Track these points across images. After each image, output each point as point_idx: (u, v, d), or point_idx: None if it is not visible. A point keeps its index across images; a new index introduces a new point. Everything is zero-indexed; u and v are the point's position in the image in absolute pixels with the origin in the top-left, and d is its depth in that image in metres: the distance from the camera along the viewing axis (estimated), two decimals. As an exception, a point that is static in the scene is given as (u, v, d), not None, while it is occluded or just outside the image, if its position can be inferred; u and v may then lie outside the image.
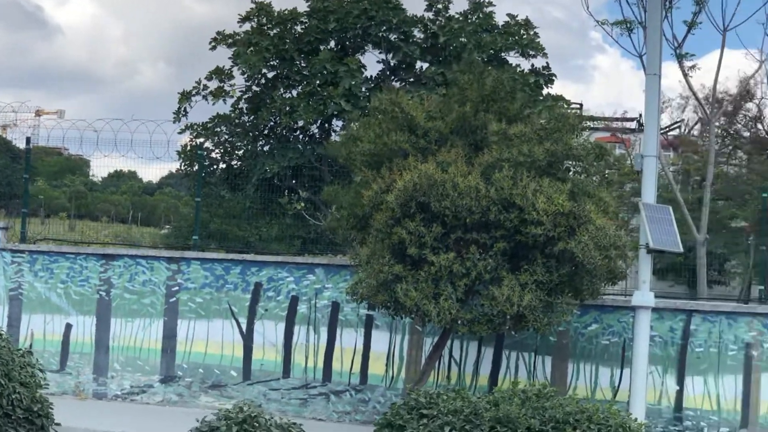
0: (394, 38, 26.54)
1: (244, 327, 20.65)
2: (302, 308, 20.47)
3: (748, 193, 44.95)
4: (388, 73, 27.01)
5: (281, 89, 27.15)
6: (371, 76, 26.83)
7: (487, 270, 16.05)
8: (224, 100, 27.44)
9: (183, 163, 27.65)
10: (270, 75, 27.51)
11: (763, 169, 46.43)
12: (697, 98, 37.65)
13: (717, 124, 47.89)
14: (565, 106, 25.66)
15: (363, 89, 25.75)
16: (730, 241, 47.80)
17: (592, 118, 50.78)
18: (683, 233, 33.79)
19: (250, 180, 26.31)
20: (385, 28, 26.27)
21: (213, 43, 27.40)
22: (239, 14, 27.51)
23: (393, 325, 19.84)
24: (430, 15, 27.37)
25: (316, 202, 25.19)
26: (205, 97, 27.49)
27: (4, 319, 21.46)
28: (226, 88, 27.43)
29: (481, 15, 27.42)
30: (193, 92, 27.49)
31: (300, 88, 26.89)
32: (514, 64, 27.30)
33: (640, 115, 52.06)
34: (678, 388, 18.86)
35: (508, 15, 27.66)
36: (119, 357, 21.16)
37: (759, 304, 20.05)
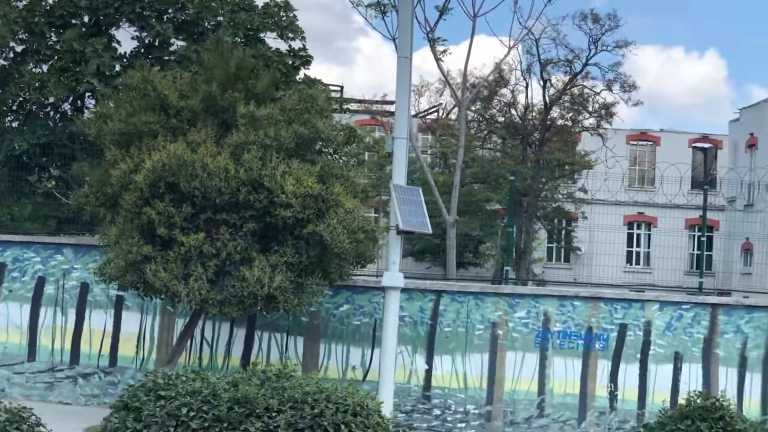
0: (147, 15, 25.94)
1: (-14, 309, 19.87)
2: (49, 289, 19.84)
3: (502, 176, 46.31)
4: (142, 50, 26.42)
5: (31, 64, 26.19)
6: (125, 53, 26.18)
7: (238, 251, 15.94)
8: (-33, 74, 26.26)
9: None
10: (19, 49, 26.47)
11: (517, 154, 47.96)
12: (448, 82, 38.52)
13: (473, 108, 49.21)
14: (321, 88, 25.69)
15: (116, 67, 25.10)
16: (485, 224, 49.24)
17: (348, 101, 51.23)
18: (437, 216, 34.60)
19: (-3, 157, 25.29)
20: (138, 5, 25.62)
21: (-44, 14, 26.15)
22: (-15, -16, 26.35)
23: (144, 306, 19.47)
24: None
25: (68, 181, 24.46)
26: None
27: None
28: (-30, 60, 26.24)
29: (239, -6, 27.16)
30: (-65, 65, 26.18)
31: (51, 63, 26.00)
32: (272, 46, 27.19)
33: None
34: (427, 367, 19.23)
35: (269, -5, 27.53)
36: None
37: (504, 284, 20.64)
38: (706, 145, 62.73)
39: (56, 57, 25.83)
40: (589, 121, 49.92)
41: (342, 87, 58.30)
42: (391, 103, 49.83)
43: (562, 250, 56.99)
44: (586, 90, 48.97)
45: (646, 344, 18.99)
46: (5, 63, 26.46)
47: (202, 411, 9.98)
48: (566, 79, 48.25)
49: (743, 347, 18.88)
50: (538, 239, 51.07)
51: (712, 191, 55.70)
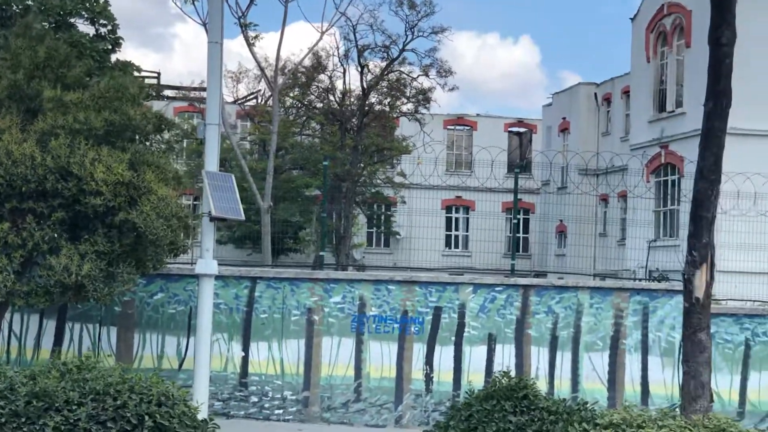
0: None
1: None
2: None
3: (320, 162, 46.29)
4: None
5: None
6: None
7: (45, 240, 15.50)
8: None
9: None
10: None
11: (335, 140, 48.12)
12: (261, 68, 38.31)
13: (291, 95, 49.08)
14: (136, 73, 25.24)
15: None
16: (305, 210, 49.30)
17: (164, 87, 50.48)
18: (251, 203, 34.40)
19: None
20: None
21: None
22: None
23: (-52, 300, 18.75)
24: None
25: None
26: None
27: None
28: None
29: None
30: None
31: None
32: (84, 31, 26.59)
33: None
34: (243, 354, 19.10)
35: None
36: None
37: (320, 269, 20.65)
38: (521, 130, 64.14)
39: None
40: (407, 107, 50.49)
41: (159, 74, 57.48)
42: (208, 89, 49.23)
43: (382, 234, 57.53)
44: (403, 75, 49.48)
45: (461, 326, 19.26)
46: None
47: (-1, 406, 9.65)
48: (383, 64, 48.64)
49: (554, 327, 19.32)
50: (358, 224, 51.42)
51: (527, 175, 57.17)
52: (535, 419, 8.77)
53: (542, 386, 18.97)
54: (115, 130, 16.32)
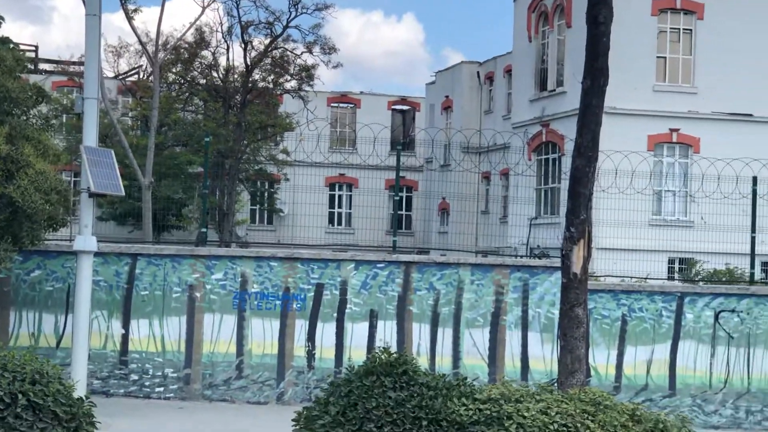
0: None
1: None
2: None
3: (203, 139, 45.86)
4: None
5: None
6: None
7: None
8: None
9: None
10: None
11: (219, 116, 47.72)
12: (141, 42, 37.79)
13: (174, 70, 48.53)
14: (12, 47, 24.68)
15: None
16: (188, 186, 48.83)
17: (42, 61, 49.48)
18: (132, 179, 33.97)
19: None
20: None
21: None
22: None
23: None
24: None
25: None
26: None
27: None
28: None
29: None
30: None
31: None
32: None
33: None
34: (123, 331, 18.88)
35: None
36: None
37: (202, 246, 20.47)
38: (405, 108, 64.38)
39: None
40: (291, 84, 50.32)
41: (36, 47, 56.31)
42: (88, 63, 48.39)
43: (265, 211, 57.32)
44: (287, 52, 49.29)
45: (343, 303, 19.30)
46: None
47: None
48: (267, 41, 48.39)
49: (436, 304, 19.46)
50: (241, 201, 51.12)
51: (409, 152, 57.42)
52: (415, 395, 8.83)
53: (423, 362, 19.13)
54: (-7, 103, 15.99)
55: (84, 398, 9.38)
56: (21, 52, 29.80)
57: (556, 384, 18.05)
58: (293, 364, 19.23)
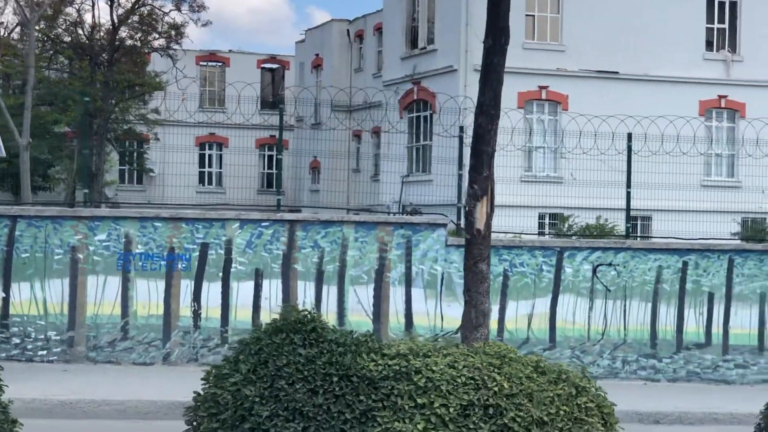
0: None
1: None
2: None
3: (70, 98, 45.06)
4: None
5: None
6: None
7: None
8: None
9: None
10: None
11: (85, 75, 46.86)
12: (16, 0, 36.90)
13: (37, 27, 47.39)
14: None
15: None
16: (55, 147, 47.90)
17: None
18: (8, 139, 33.21)
19: None
20: None
21: None
22: None
23: None
24: None
25: None
26: None
27: None
28: None
29: None
30: None
31: None
32: None
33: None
34: (4, 295, 18.57)
35: None
36: None
37: (84, 207, 20.18)
38: (274, 66, 64.05)
39: None
40: (159, 42, 49.64)
41: None
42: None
43: (135, 172, 56.61)
44: (155, 10, 48.60)
45: (228, 262, 19.26)
46: None
47: None
48: (134, -1, 47.69)
49: (320, 261, 19.56)
50: (111, 161, 50.42)
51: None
52: (324, 351, 8.93)
53: (309, 320, 19.24)
54: None
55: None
56: None
57: (443, 338, 18.40)
58: (179, 324, 19.15)
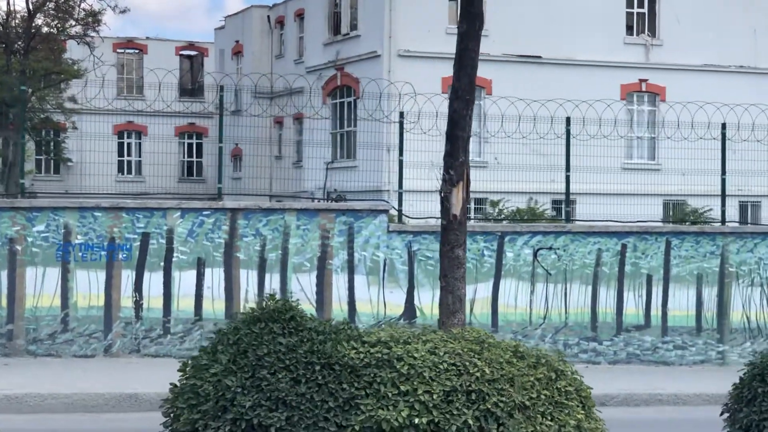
0: None
1: None
2: None
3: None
4: None
5: None
6: None
7: None
8: None
9: None
10: None
11: (1, 63, 45.92)
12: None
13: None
14: None
15: None
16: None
17: None
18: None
19: None
20: None
21: None
22: None
23: None
24: None
25: None
26: None
27: None
28: None
29: None
30: None
31: None
32: None
33: None
34: (-60, 289, 18.16)
35: None
36: None
37: (20, 198, 19.79)
38: (193, 53, 63.43)
39: None
40: (76, 29, 48.88)
41: None
42: None
43: (52, 161, 55.74)
44: (70, -4, 47.88)
45: (170, 252, 19.03)
46: None
47: None
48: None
49: (262, 249, 19.41)
50: (27, 151, 49.51)
51: (198, 98, 56.70)
52: (305, 339, 8.86)
53: (252, 308, 19.13)
54: None
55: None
56: None
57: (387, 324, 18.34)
58: (120, 315, 18.88)
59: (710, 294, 20.68)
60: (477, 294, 20.01)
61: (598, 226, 20.87)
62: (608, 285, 20.41)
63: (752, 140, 21.98)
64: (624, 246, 20.44)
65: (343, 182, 37.32)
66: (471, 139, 35.23)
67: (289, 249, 19.53)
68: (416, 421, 8.64)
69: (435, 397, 8.75)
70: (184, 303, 19.02)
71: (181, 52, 62.62)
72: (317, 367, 8.79)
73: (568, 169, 21.43)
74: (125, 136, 57.47)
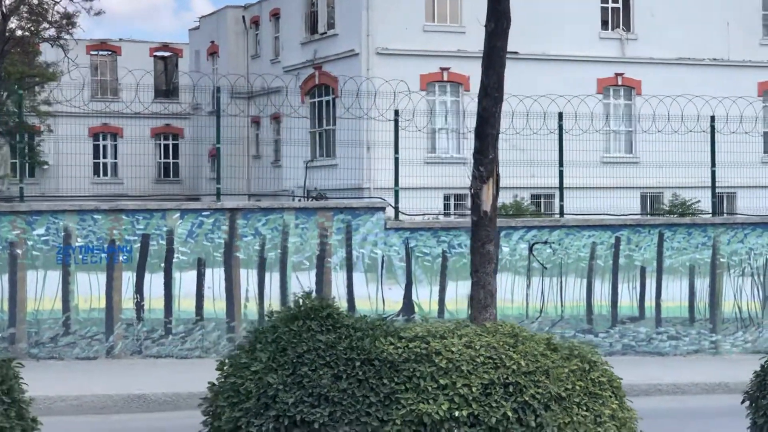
0: None
1: None
2: None
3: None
4: None
5: None
6: None
7: None
8: None
9: None
10: None
11: None
12: None
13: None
14: None
15: None
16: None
17: None
18: None
19: None
20: None
21: None
22: None
23: None
24: None
25: None
26: None
27: None
28: None
29: None
30: None
31: None
32: None
33: None
34: (-58, 294, 18.17)
35: None
36: None
37: (21, 202, 19.77)
38: (167, 54, 63.27)
39: None
40: (50, 32, 48.69)
41: None
42: None
43: (27, 164, 55.44)
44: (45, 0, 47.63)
45: (170, 253, 19.11)
46: None
47: None
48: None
49: (262, 249, 19.52)
50: (3, 155, 49.35)
51: (174, 99, 56.60)
52: (343, 336, 8.99)
53: (253, 307, 19.30)
54: None
55: (8, 360, 9.06)
56: None
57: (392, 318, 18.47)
58: (122, 316, 18.95)
59: (702, 285, 20.98)
60: (474, 288, 20.15)
61: (592, 220, 21.10)
62: (603, 278, 20.66)
63: (726, 132, 22.17)
64: (618, 239, 20.70)
65: (323, 180, 37.40)
66: (452, 135, 35.42)
67: (288, 248, 19.65)
68: (456, 414, 8.79)
69: (474, 390, 8.91)
70: (185, 303, 19.11)
71: (155, 54, 62.44)
72: (357, 363, 8.92)
73: (561, 164, 21.67)
74: (101, 138, 57.28)
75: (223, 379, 9.22)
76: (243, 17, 54.32)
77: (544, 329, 20.34)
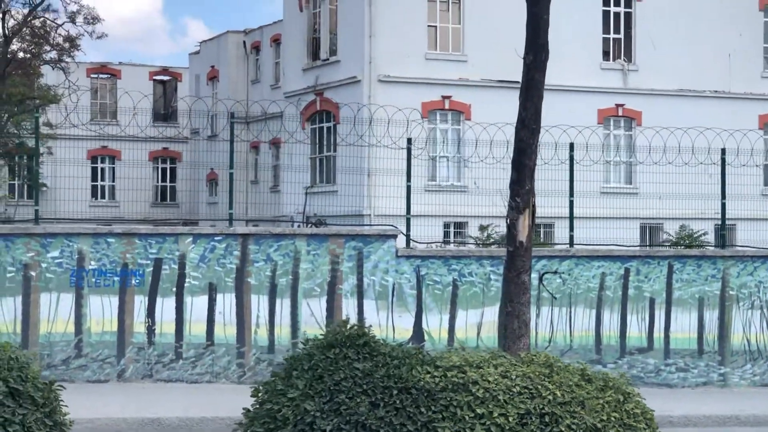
0: None
1: None
2: None
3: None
4: None
5: None
6: None
7: None
8: None
9: None
10: None
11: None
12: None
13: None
14: None
15: None
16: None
17: None
18: None
19: None
20: None
21: None
22: None
23: None
24: None
25: None
26: None
27: None
28: None
29: None
30: None
31: None
32: None
33: None
34: (-46, 315, 18.15)
35: None
36: None
37: (34, 224, 19.76)
38: (166, 78, 63.39)
39: None
40: (52, 55, 48.83)
41: None
42: None
43: (25, 186, 55.48)
44: (47, 22, 47.78)
45: (182, 277, 19.12)
46: None
47: None
48: (26, 11, 46.78)
49: (273, 275, 19.53)
50: (2, 176, 49.41)
51: (173, 123, 56.68)
52: (380, 364, 9.03)
53: (263, 334, 19.32)
54: None
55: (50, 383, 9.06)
56: None
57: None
58: (133, 340, 18.94)
59: (711, 317, 21.03)
60: (484, 317, 20.23)
61: (601, 250, 21.15)
62: (612, 308, 20.70)
63: (737, 165, 22.21)
64: (627, 270, 20.75)
65: (322, 207, 37.43)
66: (449, 163, 35.44)
67: (300, 274, 19.67)
68: (493, 443, 8.83)
69: (510, 419, 8.95)
70: (196, 328, 19.11)
71: (155, 77, 62.55)
72: (395, 392, 8.96)
73: (572, 194, 21.71)
74: (99, 160, 57.33)
75: (258, 405, 9.24)
76: (244, 42, 54.51)
77: (553, 359, 20.37)
